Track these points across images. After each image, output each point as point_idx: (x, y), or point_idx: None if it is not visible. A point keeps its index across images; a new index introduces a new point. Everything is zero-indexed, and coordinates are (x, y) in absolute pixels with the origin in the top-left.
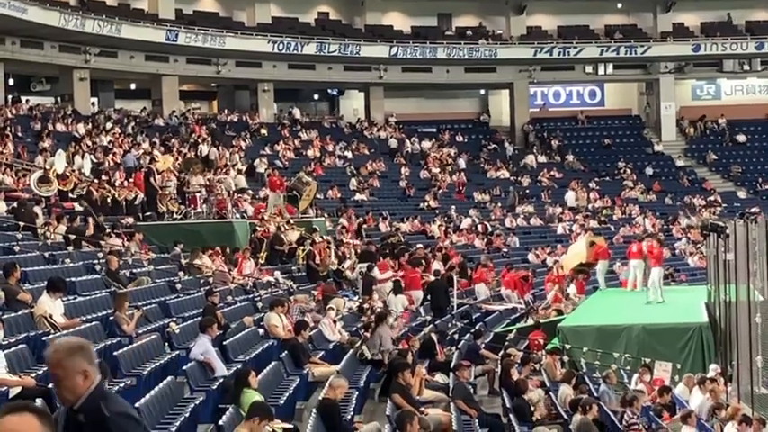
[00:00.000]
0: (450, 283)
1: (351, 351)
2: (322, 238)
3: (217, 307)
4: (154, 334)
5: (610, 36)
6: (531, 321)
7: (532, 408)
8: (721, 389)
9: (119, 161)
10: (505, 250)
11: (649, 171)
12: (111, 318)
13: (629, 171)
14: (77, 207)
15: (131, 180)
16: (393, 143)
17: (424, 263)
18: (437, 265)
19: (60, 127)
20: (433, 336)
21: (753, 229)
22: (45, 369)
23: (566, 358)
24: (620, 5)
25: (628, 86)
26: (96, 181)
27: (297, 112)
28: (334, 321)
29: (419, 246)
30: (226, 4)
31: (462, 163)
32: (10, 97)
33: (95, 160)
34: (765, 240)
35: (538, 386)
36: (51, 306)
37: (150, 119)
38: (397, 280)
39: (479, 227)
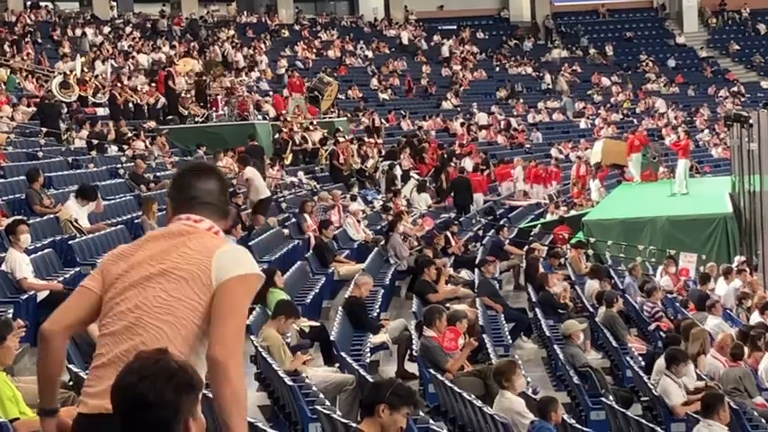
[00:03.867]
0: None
1: (375, 249)
2: (344, 137)
3: (241, 208)
4: None
5: None
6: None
7: (560, 300)
8: (752, 278)
9: (138, 65)
10: (528, 146)
11: (672, 63)
12: (136, 221)
13: (651, 63)
14: (99, 112)
15: (153, 84)
16: (411, 40)
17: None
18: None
19: (80, 32)
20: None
21: None
22: (71, 272)
23: (590, 252)
24: None
25: None
26: (119, 85)
27: (313, 15)
28: (359, 221)
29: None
30: None
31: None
32: (29, 3)
33: (116, 65)
34: None
35: (562, 280)
36: (77, 211)
37: (170, 22)
38: (423, 179)
39: (502, 123)
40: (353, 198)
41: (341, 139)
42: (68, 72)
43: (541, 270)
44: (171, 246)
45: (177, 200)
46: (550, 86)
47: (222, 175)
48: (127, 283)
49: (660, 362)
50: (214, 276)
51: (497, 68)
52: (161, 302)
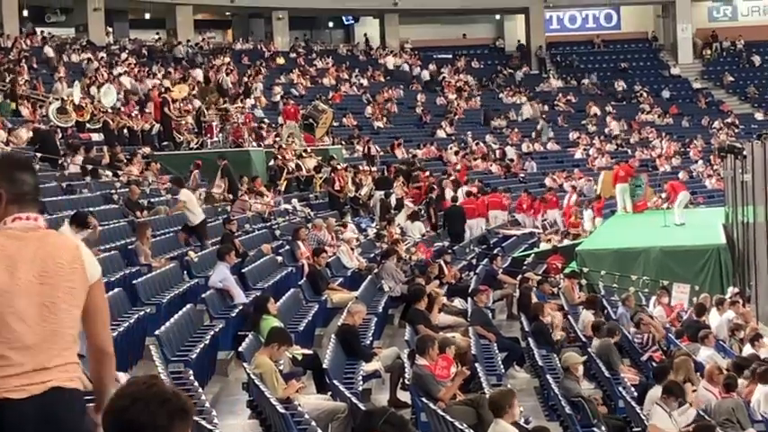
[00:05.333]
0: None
1: (369, 277)
2: (339, 165)
3: (234, 235)
4: (173, 263)
5: None
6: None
7: (551, 331)
8: (745, 310)
9: (134, 91)
10: (522, 175)
11: (666, 94)
12: (129, 247)
13: (645, 94)
14: (94, 137)
15: (147, 110)
16: (408, 69)
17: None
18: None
19: (75, 58)
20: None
21: None
22: None
23: (584, 282)
24: None
25: (644, 9)
26: (111, 111)
27: (309, 42)
28: (352, 248)
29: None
30: None
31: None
32: (24, 29)
33: (118, 89)
34: None
35: (556, 310)
36: (72, 237)
37: (166, 49)
38: (417, 207)
39: (497, 152)
40: (344, 225)
41: (338, 167)
42: (66, 98)
43: (535, 300)
44: (37, 248)
45: (10, 194)
46: (545, 116)
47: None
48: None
49: (652, 392)
50: (89, 273)
51: (492, 97)
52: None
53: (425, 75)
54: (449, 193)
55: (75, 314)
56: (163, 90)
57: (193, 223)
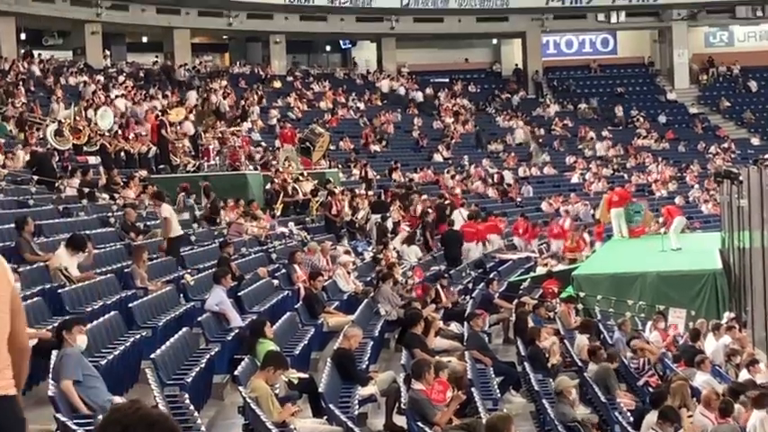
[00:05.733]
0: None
1: (365, 301)
2: (336, 188)
3: (231, 258)
4: (169, 286)
5: None
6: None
7: (547, 355)
8: (741, 335)
9: (131, 114)
10: (519, 200)
11: (662, 119)
12: (126, 270)
13: (642, 119)
14: (91, 160)
15: (144, 133)
16: (403, 92)
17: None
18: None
19: (73, 81)
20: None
21: (766, 175)
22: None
23: (580, 306)
24: None
25: (640, 34)
26: (109, 134)
27: (306, 66)
28: (349, 272)
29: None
30: None
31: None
32: (22, 51)
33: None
34: None
35: (552, 334)
36: (67, 260)
37: (162, 72)
38: (412, 231)
39: (495, 177)
40: (338, 248)
41: (336, 191)
42: (63, 120)
43: (532, 324)
44: None
45: None
46: (542, 141)
47: None
48: None
49: (649, 417)
50: (9, 278)
51: (489, 121)
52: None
53: (419, 96)
54: (457, 216)
55: (6, 319)
56: (160, 113)
57: (171, 236)
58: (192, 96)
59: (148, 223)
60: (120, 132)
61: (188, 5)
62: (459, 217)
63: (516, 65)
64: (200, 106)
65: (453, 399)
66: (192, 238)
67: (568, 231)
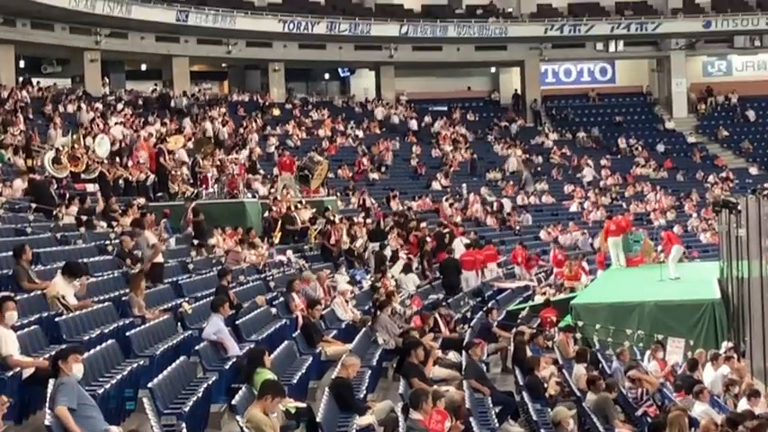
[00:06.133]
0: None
1: (363, 330)
2: (334, 216)
3: (229, 287)
4: (167, 314)
5: (620, 13)
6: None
7: (545, 385)
8: (740, 365)
9: (129, 142)
10: (517, 228)
11: (661, 148)
12: (123, 298)
13: (640, 148)
14: (89, 188)
15: (142, 161)
16: (401, 120)
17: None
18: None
19: (71, 108)
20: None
21: (765, 204)
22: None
23: (578, 335)
24: None
25: (639, 63)
26: (107, 161)
27: (304, 94)
28: (347, 301)
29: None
30: None
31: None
32: (21, 79)
33: (111, 139)
34: None
35: (550, 364)
36: (64, 288)
37: (161, 100)
38: (408, 259)
39: (495, 205)
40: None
41: (334, 218)
42: (61, 148)
43: (530, 353)
44: None
45: None
46: (540, 169)
47: None
48: None
49: None
50: None
51: (487, 149)
52: None
53: (413, 124)
54: (457, 244)
55: None
56: (157, 140)
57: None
58: (188, 124)
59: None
60: (118, 160)
61: (187, 33)
62: (460, 245)
63: (516, 90)
64: (198, 133)
65: (452, 429)
66: (190, 266)
67: (565, 260)
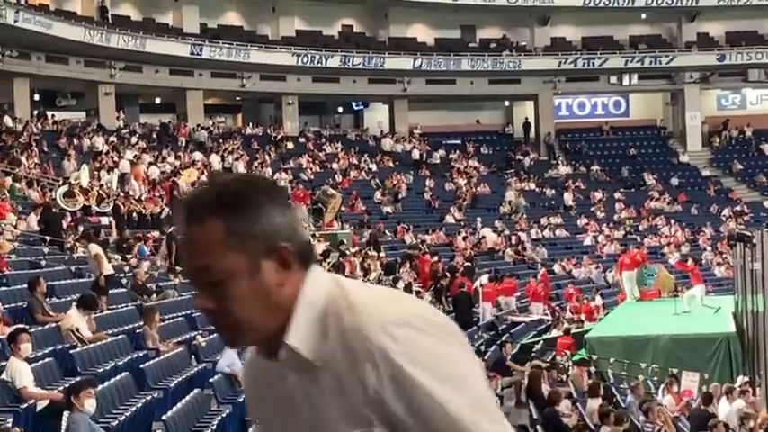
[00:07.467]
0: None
1: None
2: (349, 250)
3: None
4: (180, 347)
5: (634, 46)
6: (555, 332)
7: (563, 418)
8: (755, 399)
9: (143, 175)
10: (533, 261)
11: (675, 181)
12: (138, 331)
13: (654, 181)
14: (103, 221)
15: (156, 194)
16: (417, 155)
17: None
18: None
19: (86, 141)
20: None
21: None
22: (72, 382)
23: (593, 369)
24: (644, 16)
25: (653, 97)
26: (122, 195)
27: (318, 127)
28: None
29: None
30: (250, 17)
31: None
32: (35, 112)
33: (121, 172)
34: None
35: (565, 397)
36: (78, 320)
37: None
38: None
39: (513, 239)
40: None
41: (347, 253)
42: (73, 181)
43: (547, 387)
44: None
45: None
46: (554, 202)
47: None
48: None
49: None
50: None
51: (501, 183)
52: None
53: (415, 154)
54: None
55: None
56: (172, 174)
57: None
58: (200, 157)
59: (161, 284)
60: (131, 193)
61: (201, 67)
62: (483, 280)
63: (526, 118)
64: (209, 167)
65: None
66: None
67: (574, 294)
